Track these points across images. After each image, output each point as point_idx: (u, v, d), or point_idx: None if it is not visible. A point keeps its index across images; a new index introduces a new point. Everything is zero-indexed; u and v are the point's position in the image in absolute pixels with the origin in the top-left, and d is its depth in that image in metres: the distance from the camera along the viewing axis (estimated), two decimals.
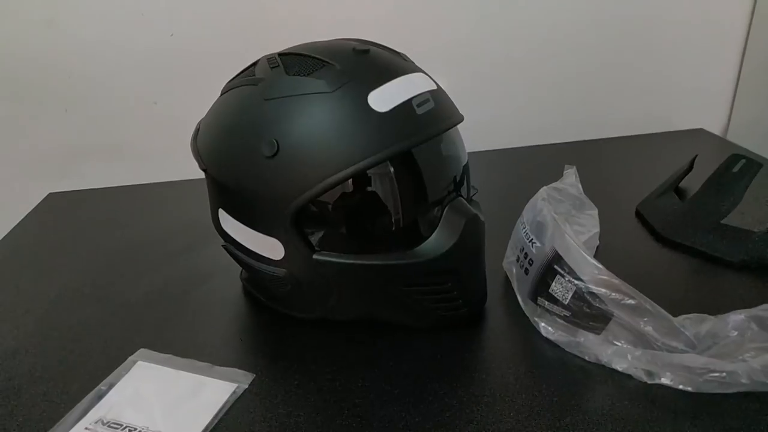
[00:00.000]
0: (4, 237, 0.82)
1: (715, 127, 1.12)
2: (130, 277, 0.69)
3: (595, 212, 0.70)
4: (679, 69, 1.08)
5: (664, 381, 0.48)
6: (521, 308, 0.58)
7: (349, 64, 0.50)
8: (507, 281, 0.63)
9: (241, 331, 0.60)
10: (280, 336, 0.58)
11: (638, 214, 0.77)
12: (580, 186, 0.72)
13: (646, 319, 0.49)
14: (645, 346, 0.49)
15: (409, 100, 0.49)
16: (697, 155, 0.84)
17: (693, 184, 0.79)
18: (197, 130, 0.59)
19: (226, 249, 0.59)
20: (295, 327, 0.58)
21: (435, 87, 0.53)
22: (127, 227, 0.83)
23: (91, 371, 0.54)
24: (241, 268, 0.64)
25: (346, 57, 0.51)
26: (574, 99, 1.07)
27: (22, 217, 0.87)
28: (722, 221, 0.68)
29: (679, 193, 0.80)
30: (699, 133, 1.07)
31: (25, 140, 0.98)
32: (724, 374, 0.45)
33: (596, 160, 0.95)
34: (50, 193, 0.95)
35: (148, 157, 1.01)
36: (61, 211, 0.90)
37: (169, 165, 0.96)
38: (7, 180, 1.00)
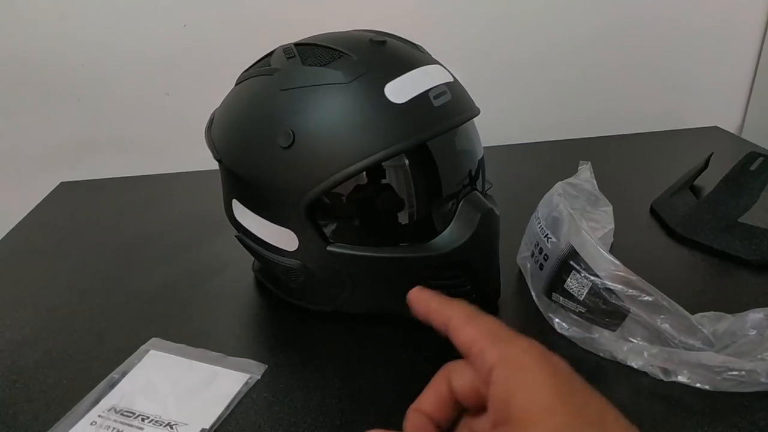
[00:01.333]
0: (17, 225, 0.82)
1: (730, 125, 1.11)
2: (143, 267, 0.69)
3: (609, 209, 0.70)
4: (695, 66, 1.08)
5: (681, 379, 0.47)
6: (535, 303, 0.57)
7: (366, 55, 0.50)
8: (521, 276, 0.62)
9: (253, 322, 0.60)
10: (292, 328, 0.58)
11: (653, 212, 0.76)
12: (595, 182, 0.71)
13: (663, 316, 0.48)
14: (661, 344, 0.49)
15: (426, 92, 0.49)
16: (712, 153, 0.83)
17: (708, 182, 0.78)
18: (211, 120, 0.59)
19: (239, 240, 0.59)
20: (307, 319, 0.58)
21: (452, 79, 0.53)
22: (140, 217, 0.83)
23: (103, 360, 0.54)
24: (253, 260, 0.64)
25: (362, 48, 0.50)
26: (589, 95, 1.06)
27: (34, 206, 0.88)
28: (739, 219, 0.67)
29: (695, 191, 0.79)
30: (714, 131, 1.05)
31: (38, 130, 0.98)
32: (743, 373, 0.44)
33: (611, 156, 0.94)
34: (62, 182, 0.95)
35: (161, 147, 1.01)
36: (73, 201, 0.90)
37: (182, 156, 0.96)
38: (20, 169, 1.00)
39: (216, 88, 0.60)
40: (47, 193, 0.92)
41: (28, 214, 0.85)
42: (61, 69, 0.94)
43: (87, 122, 0.98)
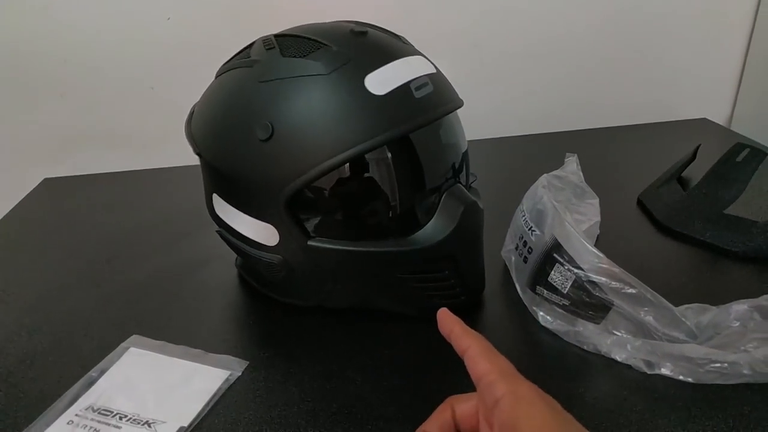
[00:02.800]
0: None
1: (718, 117, 1.10)
2: (125, 263, 0.68)
3: (596, 201, 0.69)
4: (683, 58, 1.07)
5: (664, 372, 0.47)
6: (520, 297, 0.57)
7: (347, 45, 0.49)
8: (506, 270, 0.62)
9: (235, 318, 0.59)
10: (275, 323, 0.57)
11: (640, 204, 0.76)
12: (581, 174, 0.71)
13: (646, 308, 0.48)
14: (645, 336, 0.49)
15: (408, 83, 0.48)
16: (700, 145, 0.83)
17: (696, 173, 0.78)
18: (191, 114, 0.58)
19: (220, 235, 0.58)
20: (290, 314, 0.57)
21: (434, 70, 0.52)
22: (123, 213, 0.82)
23: (82, 357, 0.53)
24: (236, 255, 0.64)
25: (343, 39, 0.50)
26: (577, 87, 1.05)
27: (16, 202, 0.86)
28: (725, 211, 0.67)
29: (682, 182, 0.79)
30: (702, 123, 1.05)
31: (21, 125, 0.96)
32: (726, 365, 0.44)
33: (598, 149, 0.93)
34: (45, 179, 0.94)
35: (145, 142, 1.00)
36: (56, 197, 0.89)
37: (166, 150, 0.95)
38: (3, 165, 0.99)
39: (201, 82, 0.59)
40: (30, 189, 0.91)
41: (11, 210, 0.84)
42: (45, 63, 0.92)
43: (71, 117, 0.97)
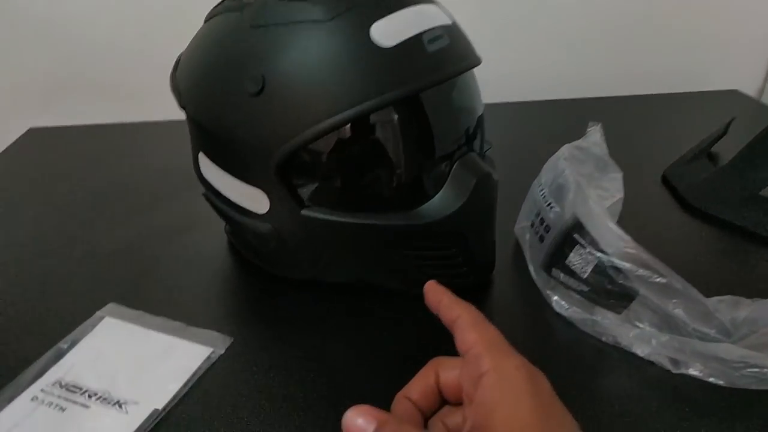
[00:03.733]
0: None
1: (749, 89, 1.03)
2: (107, 223, 0.63)
3: (619, 176, 0.63)
4: (715, 25, 0.99)
5: (692, 372, 0.42)
6: (532, 279, 0.52)
7: None
8: (518, 248, 0.57)
9: (221, 289, 0.54)
10: (263, 297, 0.52)
11: (665, 180, 0.70)
12: (605, 146, 0.65)
13: (675, 300, 0.43)
14: (671, 331, 0.44)
15: (420, 35, 0.42)
16: (734, 118, 0.76)
17: (727, 149, 0.72)
18: (177, 63, 0.52)
19: (207, 198, 0.53)
20: (280, 287, 0.53)
21: (450, 22, 0.46)
22: (109, 168, 0.76)
23: (53, 326, 0.49)
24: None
25: None
26: (602, 51, 0.98)
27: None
28: (761, 192, 0.61)
29: (712, 158, 0.73)
30: (733, 95, 0.98)
31: (5, 70, 0.91)
32: (765, 369, 0.39)
33: (622, 118, 0.87)
34: (31, 128, 0.89)
35: (136, 93, 0.93)
36: (40, 148, 0.84)
37: (158, 103, 0.88)
38: None
39: (195, 29, 0.53)
40: (14, 139, 0.86)
41: None
42: (32, 6, 0.86)
43: (58, 63, 0.91)
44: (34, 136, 0.87)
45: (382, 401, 0.41)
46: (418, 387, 0.33)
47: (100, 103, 0.94)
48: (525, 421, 0.26)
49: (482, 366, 0.29)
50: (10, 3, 0.86)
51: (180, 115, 0.53)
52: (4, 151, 0.83)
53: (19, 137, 0.87)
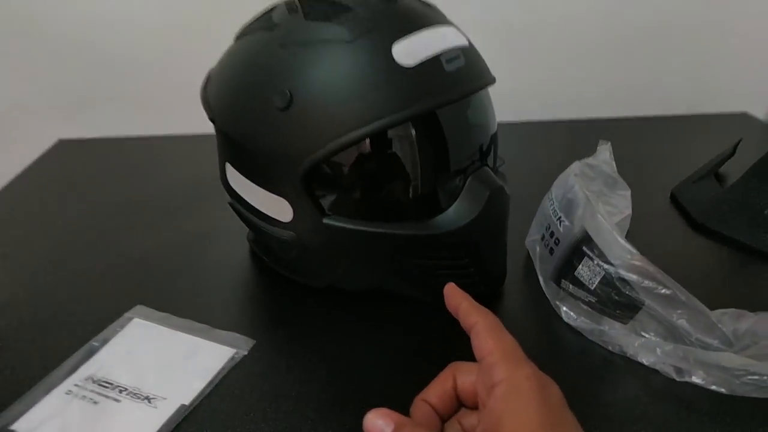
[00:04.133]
0: (11, 182, 0.79)
1: (758, 111, 1.05)
2: (134, 230, 0.66)
3: (627, 193, 0.66)
4: (725, 48, 1.01)
5: (695, 380, 0.44)
6: (542, 290, 0.54)
7: (375, 11, 0.45)
8: (528, 260, 0.59)
9: (243, 294, 0.57)
10: (284, 302, 0.55)
11: (673, 199, 0.72)
12: (614, 164, 0.67)
13: (679, 311, 0.45)
14: (675, 341, 0.45)
15: (438, 55, 0.45)
16: (741, 139, 0.78)
17: (734, 170, 0.73)
18: (208, 78, 0.55)
19: (233, 207, 0.56)
20: (300, 294, 0.55)
21: (466, 43, 0.48)
22: (136, 178, 0.80)
23: (84, 325, 0.51)
24: (248, 229, 0.61)
25: (371, 3, 0.46)
26: (614, 72, 1.00)
27: (30, 162, 0.85)
28: (765, 212, 0.63)
29: (719, 178, 0.74)
30: (742, 117, 1.00)
31: (37, 84, 0.95)
32: (765, 377, 0.41)
33: (632, 138, 0.89)
34: (60, 140, 0.93)
35: (162, 108, 0.97)
36: (69, 159, 0.87)
37: (182, 118, 0.92)
38: (19, 123, 0.97)
39: (219, 47, 0.56)
40: (44, 150, 0.89)
41: (24, 170, 0.83)
42: (63, 19, 0.90)
43: (87, 77, 0.94)
44: (63, 147, 0.91)
45: (399, 403, 0.43)
46: (436, 391, 0.34)
47: (125, 116, 0.97)
48: (533, 431, 0.27)
49: (495, 376, 0.30)
50: (42, 23, 0.90)
51: (202, 129, 0.56)
52: (36, 160, 0.86)
53: (50, 148, 0.90)
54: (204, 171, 0.74)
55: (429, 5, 0.50)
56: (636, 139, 0.89)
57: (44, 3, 0.88)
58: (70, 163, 0.86)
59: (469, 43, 0.49)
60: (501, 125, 0.54)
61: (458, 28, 0.49)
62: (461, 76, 0.46)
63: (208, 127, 0.54)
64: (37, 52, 0.92)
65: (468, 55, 0.47)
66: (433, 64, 0.44)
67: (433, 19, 0.47)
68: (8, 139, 0.97)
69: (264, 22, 0.50)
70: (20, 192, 0.77)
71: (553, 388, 0.30)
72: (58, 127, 0.95)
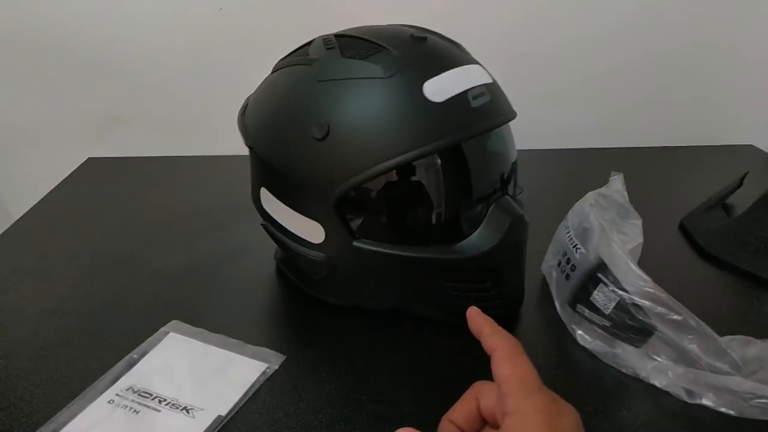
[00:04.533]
0: (42, 199, 0.83)
1: (764, 144, 1.08)
2: (166, 248, 0.69)
3: (639, 222, 0.68)
4: (732, 80, 1.05)
5: (706, 402, 0.46)
6: (558, 314, 0.56)
7: (407, 50, 0.49)
8: (544, 285, 0.62)
9: (273, 311, 0.60)
10: (311, 320, 0.57)
11: (682, 228, 0.74)
12: (626, 194, 0.70)
13: (690, 336, 0.47)
14: (686, 365, 0.48)
15: (465, 92, 0.48)
16: (747, 172, 0.81)
17: (741, 201, 0.76)
18: (245, 106, 0.59)
19: (265, 228, 0.59)
20: (326, 312, 0.58)
21: (491, 80, 0.52)
22: (164, 198, 0.83)
23: (123, 339, 0.54)
24: (275, 248, 0.64)
25: (403, 43, 0.50)
26: (621, 104, 1.04)
27: (61, 180, 0.88)
28: None
29: (727, 209, 0.77)
30: (749, 150, 1.03)
31: (68, 104, 0.99)
32: None
33: (643, 168, 0.92)
34: (90, 158, 0.96)
35: (187, 129, 1.01)
36: (100, 177, 0.91)
37: (207, 139, 0.96)
38: (49, 143, 1.01)
39: (246, 74, 0.60)
40: (74, 168, 0.93)
41: (55, 188, 0.86)
42: (95, 43, 0.94)
43: (118, 98, 0.99)
44: (92, 165, 0.95)
45: (425, 419, 0.45)
46: (461, 411, 0.35)
47: (152, 136, 1.01)
48: None
49: (507, 405, 0.31)
50: (73, 46, 0.94)
51: (228, 150, 0.59)
52: (66, 178, 0.90)
53: (79, 166, 0.94)
54: (229, 192, 0.77)
55: (456, 44, 0.54)
56: (647, 169, 0.92)
57: (77, 25, 0.92)
58: (101, 181, 0.90)
59: (493, 80, 0.52)
60: (518, 153, 0.57)
61: (483, 66, 0.53)
62: (486, 111, 0.49)
63: (234, 149, 0.56)
64: (68, 72, 0.96)
65: (492, 91, 0.50)
66: (460, 100, 0.48)
67: (460, 57, 0.51)
68: (40, 156, 1.01)
69: (302, 56, 0.53)
70: (52, 209, 0.80)
71: (565, 419, 0.30)
72: (88, 147, 0.98)
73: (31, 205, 0.80)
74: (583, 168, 0.92)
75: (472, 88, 0.49)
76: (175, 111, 1.00)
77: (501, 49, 0.96)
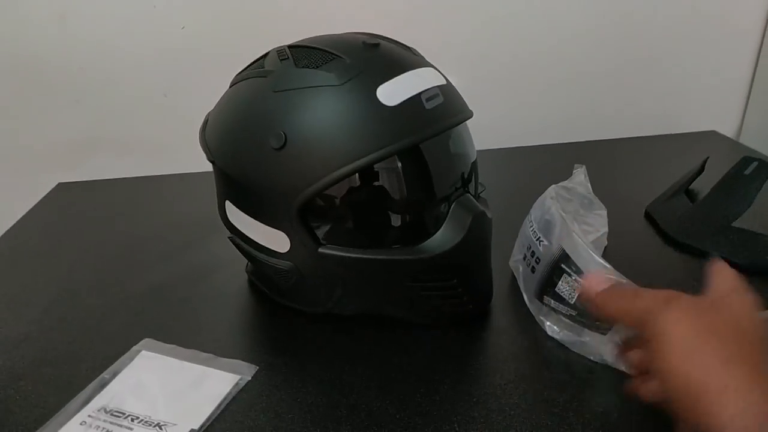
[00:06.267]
0: (14, 225, 0.82)
1: (727, 130, 1.11)
2: (137, 268, 0.69)
3: (603, 212, 0.70)
4: (692, 70, 1.07)
5: None
6: (527, 307, 0.57)
7: (359, 57, 0.50)
8: (513, 280, 0.62)
9: (245, 323, 0.60)
10: (284, 329, 0.58)
11: (648, 216, 0.76)
12: (589, 185, 0.71)
13: None
14: None
15: (418, 95, 0.49)
16: (708, 157, 0.83)
17: (704, 186, 0.78)
18: (206, 122, 0.59)
19: (232, 241, 0.59)
20: (299, 321, 0.58)
21: (444, 82, 0.53)
22: (135, 218, 0.83)
23: (94, 360, 0.54)
24: (247, 261, 0.64)
25: (355, 50, 0.50)
26: (586, 98, 1.06)
27: (31, 206, 0.88)
28: (733, 224, 0.67)
29: (690, 195, 0.79)
30: (711, 135, 1.05)
31: (36, 131, 0.98)
32: None
33: (606, 160, 0.94)
34: (60, 183, 0.96)
35: (158, 149, 1.01)
36: (69, 201, 0.91)
37: (178, 157, 0.96)
38: (19, 169, 1.00)
39: (213, 90, 0.60)
40: (45, 194, 0.92)
41: (26, 214, 0.86)
42: (61, 70, 0.94)
43: (85, 123, 0.98)
44: (62, 190, 0.94)
45: (400, 423, 0.46)
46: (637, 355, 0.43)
47: (122, 159, 1.01)
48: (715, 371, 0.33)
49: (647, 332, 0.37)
50: (42, 72, 0.94)
51: (197, 167, 0.59)
52: (36, 205, 0.89)
53: (49, 192, 0.93)
54: (199, 208, 0.77)
55: (409, 48, 0.55)
56: (611, 161, 0.94)
57: (42, 51, 0.92)
58: (70, 205, 0.89)
59: (447, 82, 0.53)
60: (482, 153, 0.58)
61: (437, 69, 0.54)
62: (440, 112, 0.50)
63: (202, 166, 0.57)
64: (35, 98, 0.96)
65: (446, 93, 0.51)
66: (414, 102, 0.49)
67: (413, 61, 0.52)
68: (9, 184, 1.00)
69: (257, 69, 0.54)
70: (22, 235, 0.80)
71: (719, 313, 0.38)
72: (57, 173, 0.98)
73: (2, 233, 0.80)
74: (549, 163, 0.93)
75: (426, 90, 0.50)
76: (147, 131, 1.00)
77: (463, 50, 0.98)
